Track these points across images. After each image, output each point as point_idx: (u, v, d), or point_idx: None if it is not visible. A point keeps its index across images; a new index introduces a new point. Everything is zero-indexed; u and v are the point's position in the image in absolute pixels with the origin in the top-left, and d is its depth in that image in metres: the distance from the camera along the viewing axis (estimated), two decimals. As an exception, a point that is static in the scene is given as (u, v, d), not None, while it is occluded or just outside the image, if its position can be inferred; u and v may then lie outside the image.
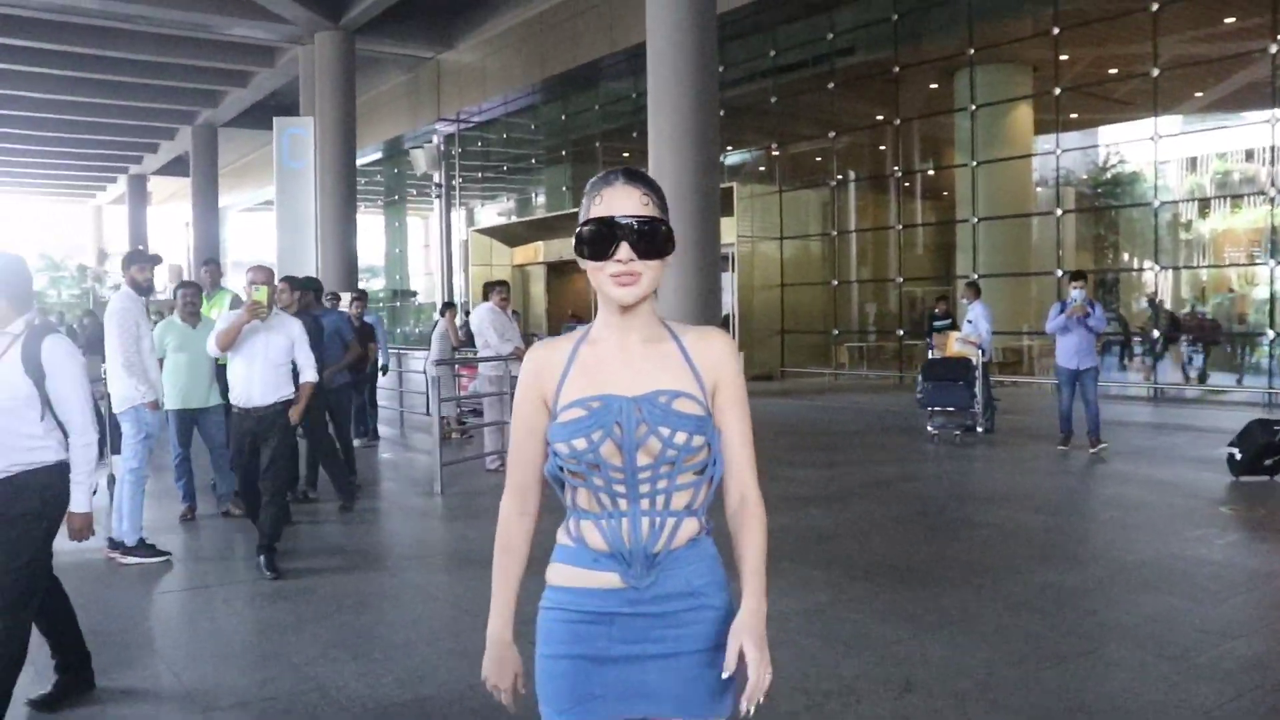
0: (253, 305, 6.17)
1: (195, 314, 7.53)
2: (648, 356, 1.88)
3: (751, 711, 1.74)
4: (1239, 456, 8.46)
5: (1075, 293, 9.91)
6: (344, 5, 24.59)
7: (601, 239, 1.81)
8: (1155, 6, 15.75)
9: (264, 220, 52.99)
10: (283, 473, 6.39)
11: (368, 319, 12.10)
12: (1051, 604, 5.11)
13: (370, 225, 36.67)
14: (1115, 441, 10.31)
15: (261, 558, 6.04)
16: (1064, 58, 17.72)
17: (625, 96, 25.55)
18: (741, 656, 1.76)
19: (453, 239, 27.02)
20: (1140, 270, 18.15)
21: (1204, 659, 4.25)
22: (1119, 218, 19.15)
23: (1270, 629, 4.73)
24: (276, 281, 6.50)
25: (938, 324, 13.50)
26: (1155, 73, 15.96)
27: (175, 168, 44.92)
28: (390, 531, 7.72)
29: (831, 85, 21.18)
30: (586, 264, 1.85)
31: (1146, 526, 6.93)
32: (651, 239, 1.81)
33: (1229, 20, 16.42)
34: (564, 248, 29.58)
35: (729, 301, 20.44)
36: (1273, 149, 14.85)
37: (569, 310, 28.56)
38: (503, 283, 10.52)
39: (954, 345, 12.10)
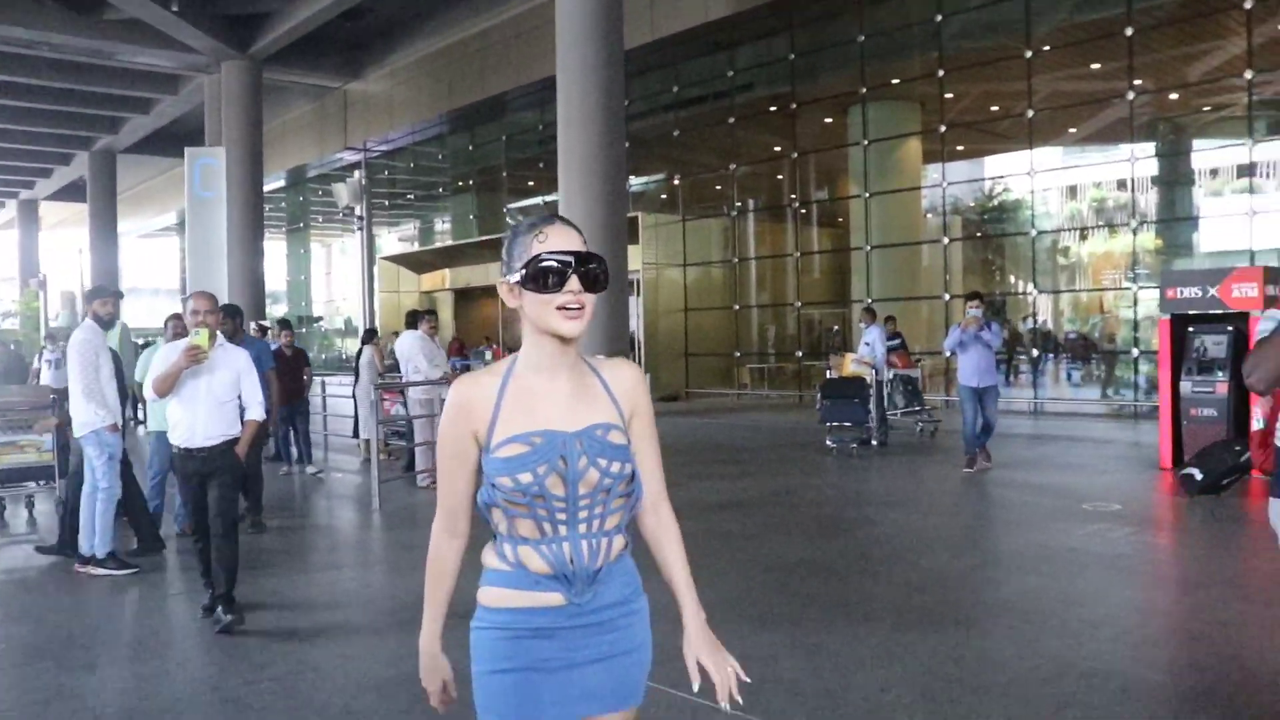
0: (191, 350, 5.43)
1: None
2: (577, 391, 1.98)
3: (728, 707, 1.97)
4: (1199, 477, 8.52)
5: (972, 310, 10.48)
6: (252, 35, 24.74)
7: (554, 272, 1.87)
8: (1029, 54, 17.14)
9: (162, 246, 52.21)
10: (231, 511, 5.68)
11: (298, 345, 12.53)
12: (936, 585, 5.97)
13: (273, 251, 36.50)
14: (997, 451, 11.29)
15: (220, 609, 5.45)
16: (949, 96, 19.03)
17: (532, 128, 26.29)
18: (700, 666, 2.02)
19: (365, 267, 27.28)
20: (1021, 294, 19.52)
21: (1056, 622, 5.13)
22: (1002, 245, 20.52)
23: (1110, 597, 5.66)
24: (206, 305, 5.59)
25: (890, 344, 13.95)
26: (1030, 113, 17.33)
27: (69, 193, 44.03)
28: (341, 541, 8.30)
29: (732, 119, 22.29)
30: (530, 298, 1.89)
31: (1020, 522, 7.90)
32: (597, 276, 1.91)
33: (1094, 65, 17.87)
34: (471, 275, 29.96)
35: (635, 326, 21.22)
36: (1132, 182, 16.30)
37: (458, 340, 28.76)
38: (431, 312, 11.15)
39: (850, 366, 13.06)
